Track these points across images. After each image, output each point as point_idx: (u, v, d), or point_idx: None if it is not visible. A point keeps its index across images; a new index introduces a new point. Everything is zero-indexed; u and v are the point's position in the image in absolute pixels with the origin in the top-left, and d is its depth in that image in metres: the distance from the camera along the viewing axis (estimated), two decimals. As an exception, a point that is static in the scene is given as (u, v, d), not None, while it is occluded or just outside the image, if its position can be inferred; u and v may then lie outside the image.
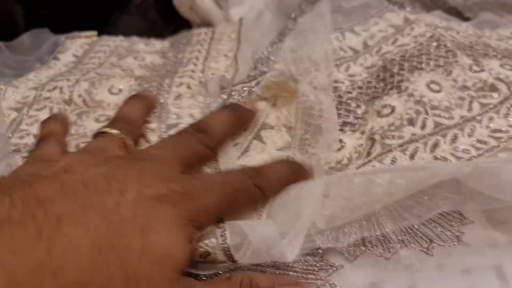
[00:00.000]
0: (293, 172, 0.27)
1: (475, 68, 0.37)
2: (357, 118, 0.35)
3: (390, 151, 0.31)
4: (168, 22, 0.60)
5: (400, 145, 0.31)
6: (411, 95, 0.35)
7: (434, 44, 0.39)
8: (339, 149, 0.32)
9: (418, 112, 0.33)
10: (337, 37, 0.42)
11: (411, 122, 0.32)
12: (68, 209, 0.16)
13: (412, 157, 0.30)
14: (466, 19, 0.56)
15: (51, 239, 0.15)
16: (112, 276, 0.16)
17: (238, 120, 0.30)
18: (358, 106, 0.36)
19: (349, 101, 0.36)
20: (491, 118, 0.33)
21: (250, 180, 0.24)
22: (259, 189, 0.24)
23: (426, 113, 0.33)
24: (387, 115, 0.33)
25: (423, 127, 0.32)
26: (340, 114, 0.35)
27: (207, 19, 0.54)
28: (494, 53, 0.42)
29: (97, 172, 0.19)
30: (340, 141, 0.33)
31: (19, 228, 0.15)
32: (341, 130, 0.34)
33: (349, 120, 0.35)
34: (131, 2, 0.64)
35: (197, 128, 0.27)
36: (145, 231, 0.17)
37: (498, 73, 0.38)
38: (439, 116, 0.33)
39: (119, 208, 0.17)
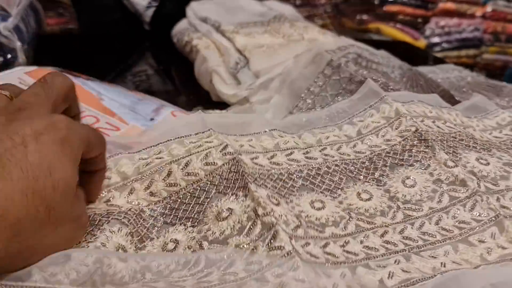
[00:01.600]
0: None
1: (450, 163, 0.42)
2: (338, 188, 0.40)
3: (362, 231, 0.36)
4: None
5: (372, 228, 0.37)
6: (387, 191, 0.41)
7: (416, 140, 0.45)
8: (319, 209, 0.38)
9: (390, 207, 0.39)
10: (333, 130, 0.48)
11: (383, 214, 0.38)
12: None
13: (381, 236, 0.36)
14: (457, 101, 0.62)
15: None
16: (38, 210, 0.23)
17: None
18: (341, 179, 0.41)
19: (334, 172, 0.42)
20: (457, 210, 0.38)
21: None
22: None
23: (398, 208, 0.39)
24: (365, 200, 0.39)
25: (393, 218, 0.38)
26: (324, 181, 0.41)
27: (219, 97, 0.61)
28: (475, 145, 0.47)
29: None
30: (322, 202, 0.38)
31: None
32: (321, 193, 0.39)
33: (331, 188, 0.40)
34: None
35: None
36: (51, 172, 0.24)
37: (473, 166, 0.44)
38: (409, 209, 0.39)
39: (28, 159, 0.23)
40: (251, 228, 0.32)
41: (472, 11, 1.89)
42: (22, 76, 0.50)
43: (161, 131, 0.40)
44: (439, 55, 1.58)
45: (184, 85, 0.72)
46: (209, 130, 0.40)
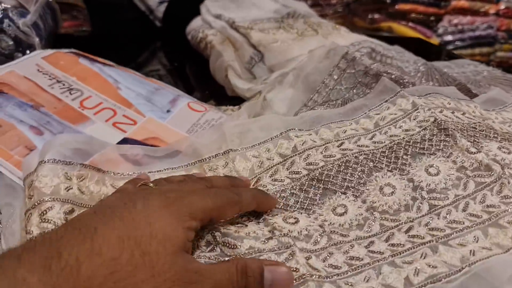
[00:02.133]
0: (264, 196, 0.37)
1: (472, 149, 0.41)
2: (360, 183, 0.40)
3: (387, 230, 0.36)
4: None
5: (396, 226, 0.36)
6: (411, 180, 0.40)
7: (436, 129, 0.44)
8: (342, 214, 0.38)
9: (414, 199, 0.38)
10: (350, 124, 0.48)
11: (408, 208, 0.38)
12: (101, 222, 0.27)
13: (407, 231, 0.36)
14: (475, 94, 0.61)
15: (93, 238, 0.25)
16: (133, 254, 0.25)
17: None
18: (362, 172, 0.41)
19: (355, 165, 0.42)
20: (485, 195, 0.38)
21: (236, 196, 0.34)
22: (239, 204, 0.34)
23: (422, 198, 0.38)
24: (388, 195, 0.39)
25: (418, 211, 0.37)
26: (345, 178, 0.41)
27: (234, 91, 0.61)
28: (495, 135, 0.46)
29: (114, 199, 0.30)
30: (344, 206, 0.38)
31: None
32: (344, 194, 0.39)
33: (352, 185, 0.40)
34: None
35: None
36: (151, 224, 0.27)
37: (495, 154, 0.43)
38: (434, 199, 0.38)
39: (132, 215, 0.27)
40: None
41: (485, 8, 1.86)
42: (39, 61, 0.51)
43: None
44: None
45: (198, 82, 0.72)
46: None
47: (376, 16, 1.84)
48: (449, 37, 1.82)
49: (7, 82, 0.47)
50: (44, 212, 0.33)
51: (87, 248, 0.24)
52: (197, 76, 0.72)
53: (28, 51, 0.54)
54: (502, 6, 1.86)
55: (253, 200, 0.35)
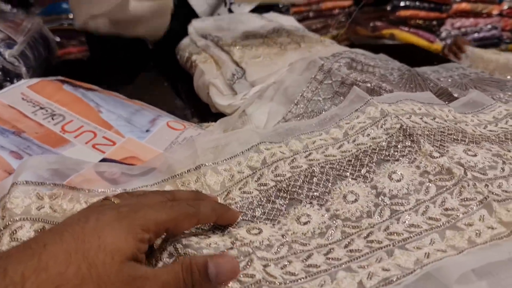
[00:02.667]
0: (225, 209, 0.38)
1: (435, 154, 0.42)
2: (325, 192, 0.41)
3: (347, 237, 0.37)
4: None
5: (357, 232, 0.37)
6: (374, 187, 0.41)
7: (401, 136, 0.45)
8: (306, 223, 0.39)
9: (377, 205, 0.39)
10: (320, 134, 0.49)
11: (370, 215, 0.39)
12: (51, 238, 0.27)
13: (366, 237, 0.36)
14: (456, 98, 0.61)
15: (41, 254, 0.26)
16: (80, 267, 0.26)
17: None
18: (327, 180, 0.42)
19: (320, 175, 0.43)
20: (445, 198, 0.38)
21: (193, 209, 0.34)
22: (196, 216, 0.34)
23: (385, 204, 0.39)
24: (352, 203, 0.40)
25: (380, 217, 0.38)
26: (311, 188, 0.42)
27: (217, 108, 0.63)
28: (463, 138, 0.47)
29: (71, 216, 0.31)
30: (308, 216, 0.39)
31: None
32: (309, 203, 0.40)
33: (317, 194, 0.41)
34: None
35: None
36: (100, 237, 0.28)
37: (460, 157, 0.43)
38: (396, 204, 0.39)
39: (84, 230, 0.28)
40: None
41: (488, 10, 1.85)
42: (24, 90, 0.54)
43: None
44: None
45: (187, 100, 0.74)
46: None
47: (378, 23, 1.85)
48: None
49: None
50: (14, 232, 0.35)
51: (33, 264, 0.25)
52: (186, 95, 0.75)
53: (16, 80, 0.57)
54: (505, 6, 1.85)
55: (212, 212, 0.36)
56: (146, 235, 0.30)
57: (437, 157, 0.42)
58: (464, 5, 1.80)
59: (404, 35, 1.78)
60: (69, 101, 0.53)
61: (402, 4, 1.78)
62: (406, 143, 0.44)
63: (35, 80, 0.55)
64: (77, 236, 0.27)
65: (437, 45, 1.78)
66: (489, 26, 1.84)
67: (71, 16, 1.62)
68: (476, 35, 1.84)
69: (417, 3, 1.79)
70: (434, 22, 1.82)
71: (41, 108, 0.51)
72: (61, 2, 1.65)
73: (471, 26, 1.83)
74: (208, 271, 0.30)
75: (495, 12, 1.83)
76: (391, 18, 1.82)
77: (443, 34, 1.82)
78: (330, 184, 0.42)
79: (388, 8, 1.82)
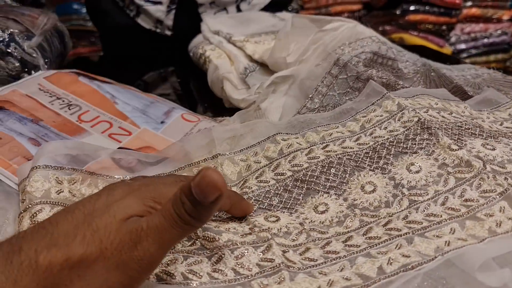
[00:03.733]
0: (240, 199, 0.38)
1: (454, 147, 0.42)
2: (342, 183, 0.41)
3: (365, 225, 0.37)
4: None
5: (375, 221, 0.37)
6: (392, 178, 0.41)
7: (419, 128, 0.45)
8: (323, 212, 0.39)
9: (395, 196, 0.39)
10: (337, 127, 0.49)
11: (388, 205, 0.38)
12: (63, 216, 0.27)
13: (385, 225, 0.36)
14: (470, 96, 0.61)
15: (53, 232, 0.26)
16: (85, 235, 0.26)
17: None
18: (345, 171, 0.42)
19: (338, 166, 0.43)
20: (464, 190, 0.38)
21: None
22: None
23: (403, 195, 0.39)
24: (369, 193, 0.40)
25: (398, 207, 0.38)
26: (328, 179, 0.42)
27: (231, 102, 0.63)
28: (481, 133, 0.47)
29: (86, 197, 0.30)
30: (326, 204, 0.39)
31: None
32: (327, 193, 0.40)
33: (334, 185, 0.41)
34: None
35: None
36: (108, 206, 0.27)
37: (478, 151, 0.43)
38: (414, 195, 0.39)
39: (94, 206, 0.27)
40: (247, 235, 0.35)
41: (498, 15, 1.85)
42: (41, 81, 0.54)
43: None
44: (467, 61, 1.55)
45: (200, 96, 0.75)
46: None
47: (388, 27, 1.85)
48: (462, 46, 1.81)
49: (9, 100, 0.50)
50: (35, 215, 0.35)
51: (46, 241, 0.25)
52: (199, 91, 0.75)
53: (33, 72, 0.58)
54: (515, 11, 1.84)
55: (226, 199, 0.35)
56: (157, 206, 0.29)
57: (455, 150, 0.41)
58: (474, 10, 1.80)
59: (414, 39, 1.78)
60: (85, 93, 0.54)
61: (411, 8, 1.78)
62: (424, 136, 0.44)
63: (51, 72, 0.56)
64: (88, 212, 0.27)
65: (447, 50, 1.77)
66: (499, 32, 1.83)
67: (81, 16, 1.64)
68: (485, 40, 1.84)
69: (427, 8, 1.79)
70: (444, 27, 1.82)
71: (58, 98, 0.52)
72: (72, 3, 1.67)
73: (480, 32, 1.83)
74: (192, 192, 0.26)
75: (505, 17, 1.83)
76: (400, 22, 1.82)
77: (453, 39, 1.82)
78: (347, 175, 0.42)
79: (398, 12, 1.82)
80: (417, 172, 0.41)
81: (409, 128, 0.46)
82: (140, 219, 0.27)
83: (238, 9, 0.93)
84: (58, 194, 0.37)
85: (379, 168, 0.42)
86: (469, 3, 1.80)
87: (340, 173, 0.42)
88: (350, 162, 0.43)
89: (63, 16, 1.52)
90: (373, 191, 0.40)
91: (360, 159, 0.44)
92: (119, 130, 0.50)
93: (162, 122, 0.52)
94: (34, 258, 0.24)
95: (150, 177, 0.35)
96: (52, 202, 0.36)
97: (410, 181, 0.40)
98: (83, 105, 0.52)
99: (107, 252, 0.26)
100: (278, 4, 0.92)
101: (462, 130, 0.47)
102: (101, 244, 0.26)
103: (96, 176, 0.41)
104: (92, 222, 0.26)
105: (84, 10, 1.58)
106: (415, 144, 0.44)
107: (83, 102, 0.53)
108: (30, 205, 0.35)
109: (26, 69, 0.58)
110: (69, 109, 0.51)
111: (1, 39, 0.58)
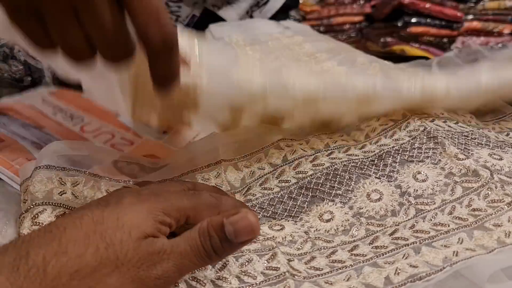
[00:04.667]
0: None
1: (461, 156, 0.41)
2: (348, 190, 0.41)
3: (371, 235, 0.36)
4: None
5: (381, 230, 0.37)
6: (398, 186, 0.40)
7: (425, 137, 0.45)
8: (328, 220, 0.38)
9: (401, 205, 0.39)
10: (341, 135, 0.48)
11: (394, 213, 0.38)
12: (71, 222, 0.27)
13: (391, 234, 0.36)
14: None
15: (61, 238, 0.26)
16: (98, 247, 0.25)
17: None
18: (350, 179, 0.42)
19: (343, 173, 0.42)
20: (471, 199, 0.38)
21: (214, 200, 0.33)
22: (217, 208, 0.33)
23: (409, 204, 0.39)
24: (375, 201, 0.39)
25: (404, 215, 0.38)
26: (333, 186, 0.41)
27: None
28: (488, 143, 0.46)
29: (92, 202, 0.30)
30: (331, 213, 0.39)
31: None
32: (332, 201, 0.40)
33: (340, 193, 0.41)
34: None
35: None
36: (119, 217, 0.27)
37: (485, 161, 0.43)
38: (421, 204, 0.38)
39: (103, 213, 0.27)
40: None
41: (499, 28, 1.85)
42: (44, 95, 0.55)
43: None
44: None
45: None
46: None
47: (389, 39, 1.85)
48: (463, 58, 1.81)
49: (13, 108, 0.52)
50: (36, 216, 0.34)
51: (54, 248, 0.25)
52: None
53: (36, 75, 0.58)
54: (516, 25, 1.85)
55: (233, 208, 0.34)
56: (167, 219, 0.29)
57: (462, 159, 0.41)
58: (475, 24, 1.80)
59: (415, 51, 1.78)
60: (88, 107, 0.55)
61: (413, 20, 1.78)
62: (430, 145, 0.44)
63: (55, 89, 0.57)
64: (97, 219, 0.27)
65: (448, 62, 1.77)
66: (499, 45, 1.84)
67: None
68: (486, 53, 1.84)
69: (428, 20, 1.79)
70: (445, 40, 1.83)
71: (61, 111, 0.53)
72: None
73: (481, 45, 1.83)
74: (225, 231, 0.27)
75: (506, 31, 1.83)
76: (402, 34, 1.82)
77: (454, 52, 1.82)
78: (353, 182, 0.41)
79: (399, 24, 1.82)
80: (424, 180, 0.40)
81: (415, 137, 0.45)
82: (160, 241, 0.27)
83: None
84: (60, 195, 0.37)
85: (385, 176, 0.42)
86: (470, 17, 1.80)
87: (345, 180, 0.42)
88: (355, 169, 0.43)
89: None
90: (379, 199, 0.40)
91: (365, 167, 0.43)
92: (121, 140, 0.50)
93: (164, 132, 0.52)
94: (42, 267, 0.24)
95: (158, 185, 0.35)
96: (54, 203, 0.36)
97: (417, 190, 0.40)
98: (85, 117, 0.53)
99: (123, 268, 0.25)
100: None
101: (468, 139, 0.46)
102: (117, 260, 0.25)
103: (100, 178, 0.40)
104: (104, 233, 0.26)
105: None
106: (421, 152, 0.44)
107: (85, 115, 0.54)
108: (31, 206, 0.35)
109: (30, 72, 0.58)
110: (72, 120, 0.52)
111: (5, 42, 0.58)
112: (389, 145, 0.45)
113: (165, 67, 0.30)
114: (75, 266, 0.24)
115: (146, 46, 0.28)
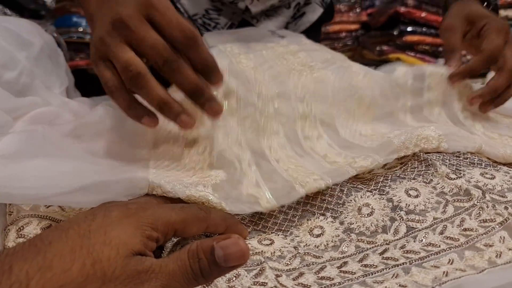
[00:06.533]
0: (235, 222, 0.37)
1: (452, 176, 0.41)
2: (338, 203, 0.40)
3: (362, 252, 0.36)
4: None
5: (372, 248, 0.36)
6: (390, 200, 0.40)
7: (416, 162, 0.45)
8: (318, 235, 0.38)
9: (393, 220, 0.38)
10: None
11: (385, 230, 0.38)
12: (57, 235, 0.26)
13: (381, 254, 0.35)
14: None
15: (46, 252, 0.25)
16: (84, 263, 0.25)
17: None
18: (342, 191, 0.41)
19: (334, 186, 0.41)
20: (463, 219, 0.38)
21: (203, 213, 0.33)
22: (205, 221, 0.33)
23: (401, 219, 0.38)
24: (366, 216, 0.39)
25: (395, 233, 0.37)
26: (324, 200, 0.41)
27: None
28: (480, 162, 0.46)
29: (79, 215, 0.29)
30: (321, 228, 0.38)
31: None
32: (323, 215, 0.40)
33: (331, 206, 0.40)
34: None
35: None
36: (106, 232, 0.27)
37: (477, 180, 0.42)
38: (412, 220, 0.38)
39: (90, 227, 0.27)
40: None
41: (494, 39, 1.87)
42: None
43: None
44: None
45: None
46: None
47: (385, 48, 1.87)
48: (458, 68, 1.82)
49: None
50: (21, 228, 0.34)
51: (38, 262, 0.24)
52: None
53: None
54: None
55: (222, 221, 0.35)
56: (155, 233, 0.29)
57: (454, 179, 0.41)
58: (471, 34, 1.81)
59: (411, 60, 1.79)
60: None
61: (409, 29, 1.80)
62: (422, 168, 0.44)
63: None
64: (83, 233, 0.26)
65: (443, 72, 1.78)
66: (494, 55, 1.85)
67: (80, 29, 1.64)
68: (481, 63, 1.85)
69: (424, 29, 1.81)
70: (440, 48, 1.84)
71: None
72: (71, 15, 1.67)
73: (476, 55, 1.84)
74: (215, 254, 0.27)
75: (501, 41, 1.84)
76: (397, 42, 1.84)
77: (449, 61, 1.83)
78: (344, 195, 0.41)
79: (395, 32, 1.84)
80: (416, 196, 0.40)
81: (406, 163, 0.46)
82: (148, 260, 0.27)
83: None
84: (47, 207, 0.36)
85: (377, 189, 0.42)
86: (465, 26, 1.82)
87: (336, 193, 0.41)
88: (347, 182, 0.42)
89: (62, 29, 1.51)
90: (370, 213, 0.39)
91: (358, 181, 0.43)
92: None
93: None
94: (25, 282, 0.23)
95: (145, 198, 0.35)
96: (41, 215, 0.35)
97: (409, 205, 0.40)
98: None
99: (110, 285, 0.25)
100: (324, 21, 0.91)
101: (460, 160, 0.46)
102: (104, 277, 0.25)
103: None
104: (91, 249, 0.25)
105: (83, 23, 1.58)
106: (413, 171, 0.44)
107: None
108: (17, 218, 0.34)
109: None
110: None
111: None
112: (381, 173, 0.45)
113: (197, 55, 0.38)
114: (60, 282, 0.24)
115: (175, 46, 0.37)
